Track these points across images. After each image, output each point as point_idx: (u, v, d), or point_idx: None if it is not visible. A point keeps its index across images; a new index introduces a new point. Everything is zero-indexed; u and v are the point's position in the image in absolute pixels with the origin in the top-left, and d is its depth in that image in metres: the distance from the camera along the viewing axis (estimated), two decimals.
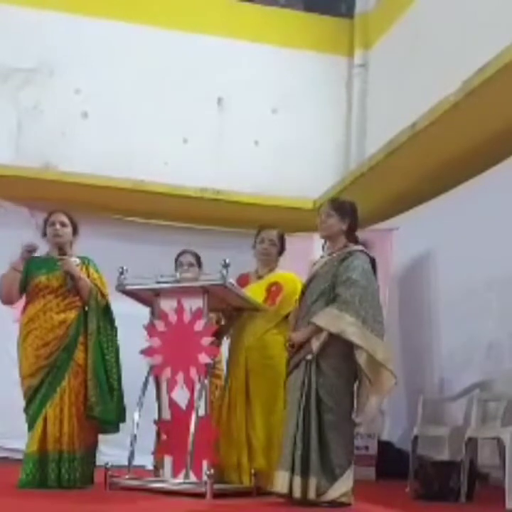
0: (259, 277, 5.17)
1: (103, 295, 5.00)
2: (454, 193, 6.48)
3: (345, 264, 4.43)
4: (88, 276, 5.01)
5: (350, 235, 4.58)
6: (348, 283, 4.36)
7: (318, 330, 4.34)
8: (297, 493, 4.21)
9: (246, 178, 7.96)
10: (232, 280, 4.76)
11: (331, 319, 4.32)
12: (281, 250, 5.22)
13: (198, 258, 5.59)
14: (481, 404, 5.25)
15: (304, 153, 8.41)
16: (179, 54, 8.29)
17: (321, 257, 4.69)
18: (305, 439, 4.26)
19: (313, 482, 4.20)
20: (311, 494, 4.20)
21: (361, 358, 4.25)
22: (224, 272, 4.66)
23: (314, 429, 4.26)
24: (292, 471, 4.24)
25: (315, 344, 4.34)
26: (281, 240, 5.20)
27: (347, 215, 4.58)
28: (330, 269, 4.49)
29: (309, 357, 4.35)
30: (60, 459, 4.71)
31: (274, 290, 5.06)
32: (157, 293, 4.93)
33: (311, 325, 4.37)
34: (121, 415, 4.94)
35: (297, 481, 4.21)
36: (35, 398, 4.81)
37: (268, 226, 5.22)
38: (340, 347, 4.30)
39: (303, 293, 4.63)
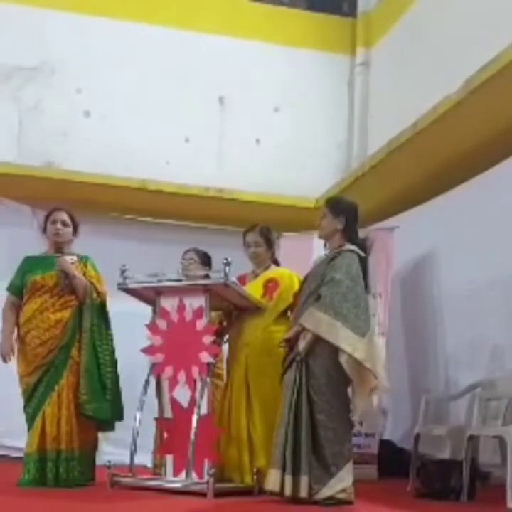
0: (256, 276, 5.18)
1: (98, 293, 4.98)
2: (456, 192, 6.45)
3: (332, 264, 4.44)
4: (84, 274, 4.99)
5: (347, 234, 4.56)
6: (331, 283, 4.36)
7: (303, 330, 4.36)
8: (288, 491, 4.22)
9: (247, 177, 7.96)
10: (233, 278, 4.75)
11: (312, 319, 4.33)
12: (269, 245, 5.18)
13: (207, 257, 5.58)
14: (482, 403, 5.25)
15: (306, 152, 8.41)
16: (181, 53, 8.28)
17: (320, 256, 4.71)
18: (296, 438, 4.28)
19: (304, 481, 4.22)
20: (303, 493, 4.21)
21: (342, 358, 4.25)
22: (225, 270, 4.65)
23: (305, 428, 4.27)
24: (283, 469, 4.25)
25: (301, 344, 4.37)
26: (265, 235, 5.15)
27: (341, 213, 4.56)
28: (320, 269, 4.52)
29: (298, 357, 4.37)
30: (58, 458, 4.70)
31: (270, 286, 5.07)
32: (158, 291, 4.93)
33: (298, 325, 4.41)
34: (117, 413, 4.92)
35: (288, 479, 4.23)
36: (33, 397, 4.81)
37: (250, 228, 5.18)
38: (328, 347, 4.30)
39: (300, 292, 4.64)
